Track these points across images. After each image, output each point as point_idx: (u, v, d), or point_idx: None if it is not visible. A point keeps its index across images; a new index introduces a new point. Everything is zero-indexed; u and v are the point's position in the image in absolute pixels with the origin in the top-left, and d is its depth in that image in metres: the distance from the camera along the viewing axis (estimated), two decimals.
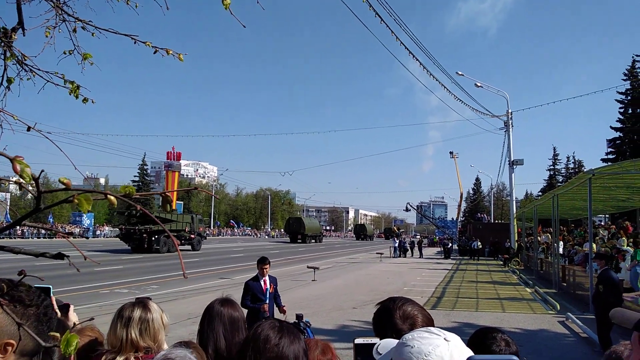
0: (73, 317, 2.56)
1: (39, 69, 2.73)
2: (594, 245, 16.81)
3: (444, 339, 1.16)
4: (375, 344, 1.11)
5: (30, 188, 0.81)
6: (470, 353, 1.16)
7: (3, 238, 39.10)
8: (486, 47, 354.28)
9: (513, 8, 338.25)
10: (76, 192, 0.76)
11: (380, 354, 1.31)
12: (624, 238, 18.32)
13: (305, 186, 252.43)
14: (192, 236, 38.42)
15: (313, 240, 69.01)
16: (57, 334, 0.86)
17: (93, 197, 0.77)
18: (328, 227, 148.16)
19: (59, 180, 0.75)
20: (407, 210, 78.34)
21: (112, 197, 0.77)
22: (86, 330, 2.64)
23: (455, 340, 1.17)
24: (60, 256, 0.87)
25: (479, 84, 37.79)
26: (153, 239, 34.65)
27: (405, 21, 20.82)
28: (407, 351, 1.15)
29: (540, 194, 69.60)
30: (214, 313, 2.59)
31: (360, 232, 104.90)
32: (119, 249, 36.17)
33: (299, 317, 3.77)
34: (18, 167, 0.69)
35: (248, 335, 1.60)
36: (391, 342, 1.31)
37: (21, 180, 0.72)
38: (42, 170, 0.76)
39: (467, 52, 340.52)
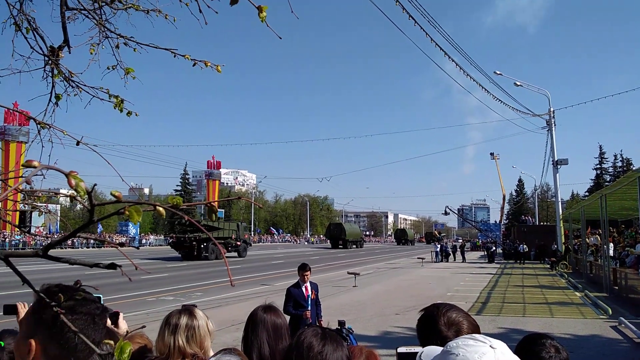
0: (122, 324, 2.65)
1: (85, 85, 2.85)
2: None
3: (490, 346, 1.14)
4: (417, 352, 1.10)
5: (83, 201, 0.84)
6: (516, 359, 1.13)
7: (56, 248, 40.68)
8: (525, 44, 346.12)
9: (552, 4, 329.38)
10: (127, 205, 0.79)
11: None
12: None
13: (343, 191, 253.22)
14: (238, 243, 39.92)
15: (354, 246, 68.98)
16: (112, 342, 0.89)
17: (143, 208, 0.80)
18: (367, 232, 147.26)
19: (111, 194, 0.78)
20: (446, 213, 77.14)
21: (160, 209, 0.80)
22: (136, 337, 2.71)
23: (502, 347, 1.15)
24: (113, 266, 0.90)
25: (518, 83, 36.93)
26: (202, 246, 36.24)
27: (440, 21, 20.62)
28: (452, 359, 1.13)
29: (587, 194, 67.29)
30: (258, 320, 2.62)
31: (402, 236, 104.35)
32: (169, 256, 37.95)
33: (342, 323, 3.75)
34: (73, 181, 0.72)
35: (291, 342, 1.61)
36: (435, 350, 1.29)
37: (75, 194, 0.75)
38: (95, 184, 0.79)
39: (505, 51, 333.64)
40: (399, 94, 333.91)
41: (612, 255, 21.14)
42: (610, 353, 9.05)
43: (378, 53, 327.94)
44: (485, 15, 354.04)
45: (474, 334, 1.22)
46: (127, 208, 0.78)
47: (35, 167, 0.72)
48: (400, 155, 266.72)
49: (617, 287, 18.22)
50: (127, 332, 1.73)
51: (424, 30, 19.07)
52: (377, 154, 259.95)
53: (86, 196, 0.76)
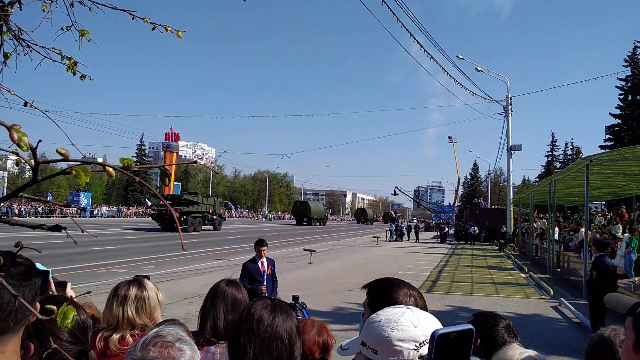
0: (70, 294, 2.57)
1: (36, 44, 2.69)
2: (590, 232, 16.91)
3: (406, 307, 1.20)
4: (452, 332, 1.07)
5: (26, 158, 0.80)
6: (435, 320, 1.18)
7: None
8: (490, 31, 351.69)
9: None
10: (74, 163, 0.75)
11: (346, 349, 1.32)
12: (619, 225, 18.44)
13: (303, 169, 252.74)
14: (214, 217, 42.37)
15: (318, 223, 72.05)
16: (54, 307, 0.86)
17: (91, 169, 0.77)
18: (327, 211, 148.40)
19: (57, 151, 0.74)
20: (395, 194, 78.87)
21: (110, 169, 0.76)
22: (84, 306, 2.65)
23: (416, 308, 1.22)
24: (57, 228, 0.86)
25: (479, 68, 37.58)
26: (182, 219, 38.19)
27: (409, 2, 20.49)
28: (376, 327, 1.17)
29: (537, 180, 69.84)
30: (219, 292, 2.60)
31: (361, 216, 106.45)
32: (149, 227, 39.86)
33: (295, 298, 3.78)
34: (15, 135, 0.68)
35: (241, 315, 1.59)
36: (352, 339, 1.33)
37: (18, 149, 0.71)
38: (40, 140, 0.74)
39: (470, 36, 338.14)
40: (365, 73, 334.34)
41: (556, 239, 22.12)
42: (550, 331, 9.53)
43: (346, 31, 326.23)
44: None
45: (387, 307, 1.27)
46: (74, 167, 0.74)
47: None
48: (361, 135, 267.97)
49: (559, 270, 19.13)
50: (70, 297, 1.68)
51: (390, 9, 19.01)
52: (339, 132, 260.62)
53: (29, 152, 0.72)
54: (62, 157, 0.74)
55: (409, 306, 1.21)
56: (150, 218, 43.81)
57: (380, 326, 1.16)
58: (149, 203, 79.14)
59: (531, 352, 1.81)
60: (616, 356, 1.69)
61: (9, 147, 0.71)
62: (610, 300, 1.64)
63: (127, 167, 0.77)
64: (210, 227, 42.23)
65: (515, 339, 2.30)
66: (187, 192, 55.75)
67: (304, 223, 69.40)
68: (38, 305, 1.26)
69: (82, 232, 0.87)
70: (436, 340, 0.94)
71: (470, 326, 1.03)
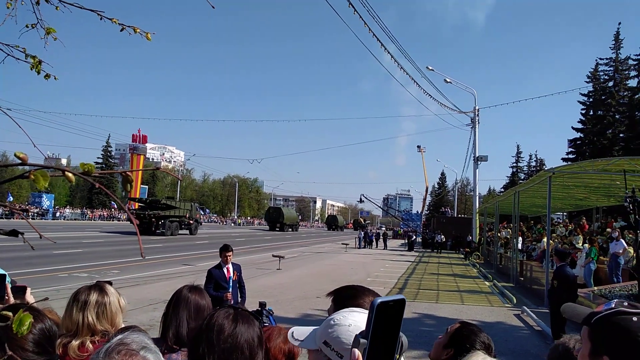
0: (30, 299, 2.50)
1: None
2: (552, 242, 17.37)
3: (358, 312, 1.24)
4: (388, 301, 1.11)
5: None
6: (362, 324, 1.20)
7: None
8: (461, 42, 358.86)
9: (491, 5, 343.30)
10: (33, 168, 0.73)
11: (300, 340, 1.31)
12: (580, 236, 19.00)
13: (273, 174, 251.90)
14: (191, 222, 43.38)
15: (290, 229, 72.84)
16: (10, 313, 0.84)
17: (51, 173, 0.75)
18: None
19: (15, 155, 0.72)
20: (360, 201, 79.70)
21: (69, 174, 0.75)
22: (44, 312, 2.57)
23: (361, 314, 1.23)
24: (14, 233, 0.84)
25: (448, 80, 38.30)
26: (159, 223, 39.02)
27: (381, 11, 20.85)
28: (345, 330, 1.19)
29: (502, 190, 71.29)
30: (181, 298, 2.56)
31: (332, 222, 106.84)
32: (127, 231, 40.76)
33: (262, 304, 3.75)
34: None
35: (201, 324, 1.55)
36: (305, 328, 1.33)
37: None
38: None
39: (442, 46, 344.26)
40: (338, 80, 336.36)
41: (520, 248, 22.63)
42: (512, 339, 9.73)
43: (319, 37, 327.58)
44: (429, 4, 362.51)
45: (352, 308, 1.28)
46: (33, 172, 0.73)
47: None
48: (332, 142, 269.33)
49: (522, 279, 19.55)
50: (27, 303, 1.63)
51: (362, 18, 19.23)
52: (310, 139, 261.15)
53: None
54: (20, 162, 0.72)
55: (362, 311, 1.22)
56: (115, 221, 44.42)
57: (348, 332, 1.16)
58: (114, 206, 77.49)
59: None
60: None
61: None
62: (567, 310, 1.69)
63: (88, 172, 0.76)
64: (187, 232, 42.93)
65: (491, 351, 2.30)
66: (164, 197, 56.25)
67: (277, 229, 69.90)
68: None
69: (40, 237, 0.86)
70: (376, 308, 0.99)
71: (402, 297, 1.07)
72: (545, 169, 20.33)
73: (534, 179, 18.61)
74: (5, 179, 0.84)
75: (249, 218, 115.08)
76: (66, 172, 0.75)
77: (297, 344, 1.31)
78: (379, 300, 1.00)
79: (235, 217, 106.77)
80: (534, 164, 72.57)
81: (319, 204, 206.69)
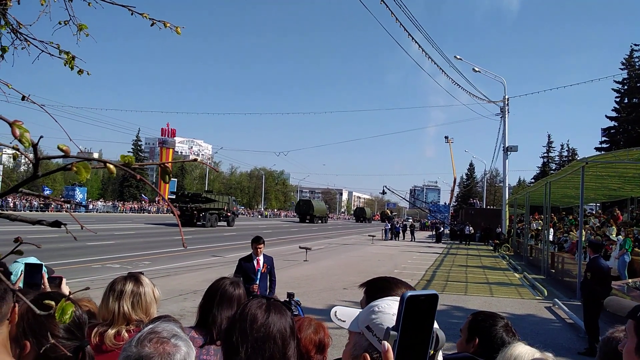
0: (65, 289, 2.57)
1: (34, 38, 2.67)
2: (584, 233, 16.98)
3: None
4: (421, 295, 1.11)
5: (28, 154, 0.80)
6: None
7: None
8: (491, 30, 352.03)
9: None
10: (74, 160, 0.75)
11: (343, 321, 1.32)
12: (613, 227, 18.52)
13: (299, 167, 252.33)
14: (229, 214, 46.42)
15: (320, 221, 75.10)
16: (52, 302, 0.86)
17: (92, 165, 0.77)
18: None
19: (58, 147, 0.74)
20: (383, 193, 79.22)
21: (111, 166, 0.76)
22: (83, 301, 2.65)
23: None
24: (57, 224, 0.86)
25: (477, 69, 37.65)
26: (200, 215, 41.96)
27: (408, 2, 20.51)
28: (389, 319, 1.18)
29: (533, 180, 69.97)
30: (226, 294, 2.62)
31: (360, 215, 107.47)
32: (169, 222, 43.56)
33: (290, 295, 3.79)
34: (17, 131, 0.68)
35: (235, 314, 1.58)
36: (350, 310, 1.33)
37: (19, 145, 0.71)
38: (41, 136, 0.75)
39: (470, 35, 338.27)
40: (365, 72, 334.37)
41: (551, 240, 22.20)
42: (544, 332, 9.57)
43: (346, 28, 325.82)
44: None
45: (395, 296, 1.27)
46: (75, 164, 0.74)
47: None
48: (359, 134, 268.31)
49: (553, 271, 19.20)
50: (69, 292, 1.67)
51: (389, 9, 19.03)
52: (336, 131, 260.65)
53: (31, 148, 0.72)
54: (63, 154, 0.74)
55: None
56: (145, 213, 46.43)
57: (392, 320, 1.15)
58: (146, 198, 79.13)
59: (538, 352, 1.81)
60: None
61: (10, 142, 0.71)
62: (611, 303, 1.64)
63: (128, 164, 0.77)
64: (225, 223, 45.40)
65: (514, 338, 2.30)
66: (204, 191, 58.09)
67: (307, 221, 72.04)
68: (16, 305, 1.27)
69: (82, 228, 0.88)
70: (406, 301, 0.99)
71: (434, 292, 1.07)
72: (578, 158, 19.85)
73: (566, 169, 18.19)
74: (48, 171, 0.86)
75: (275, 210, 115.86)
76: (108, 164, 0.76)
77: (341, 324, 1.32)
78: (409, 293, 1.00)
79: (262, 209, 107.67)
80: (565, 153, 70.98)
81: (345, 196, 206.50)
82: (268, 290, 7.08)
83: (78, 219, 0.98)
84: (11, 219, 0.88)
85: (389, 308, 1.19)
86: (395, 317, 1.15)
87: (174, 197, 46.00)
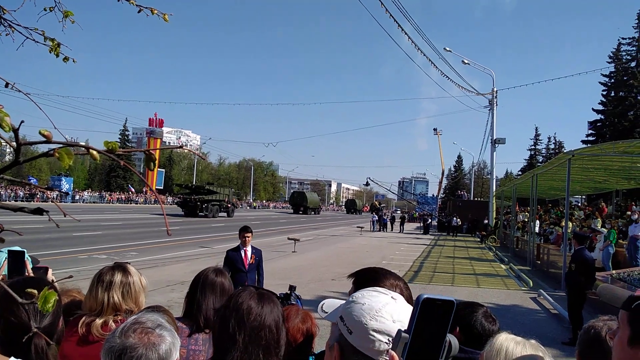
0: (51, 280, 2.54)
1: (18, 24, 2.62)
2: (570, 225, 17.18)
3: (392, 297, 1.20)
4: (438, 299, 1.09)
5: (8, 139, 0.78)
6: (409, 310, 1.20)
7: None
8: (476, 24, 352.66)
9: None
10: (57, 146, 0.74)
11: (326, 312, 1.34)
12: (599, 219, 18.77)
13: (288, 158, 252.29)
14: (229, 205, 48.06)
15: (313, 212, 77.55)
16: (35, 291, 0.85)
17: (75, 151, 0.75)
18: None
19: (39, 132, 0.72)
20: (367, 184, 79.64)
21: (94, 152, 0.75)
22: (72, 292, 2.63)
23: (401, 299, 1.22)
24: (39, 211, 0.85)
25: (466, 61, 37.74)
26: (203, 206, 43.46)
27: None
28: (358, 308, 1.18)
29: (520, 173, 70.63)
30: (208, 281, 2.62)
31: (351, 206, 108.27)
32: (174, 213, 44.70)
33: (292, 288, 3.78)
34: None
35: (227, 304, 1.60)
36: (336, 302, 1.34)
37: (0, 131, 0.69)
38: (22, 121, 0.73)
39: (459, 27, 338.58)
40: (354, 63, 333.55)
41: (537, 232, 22.43)
42: (529, 322, 9.70)
43: (334, 19, 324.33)
44: None
45: (376, 287, 1.27)
46: (57, 150, 0.73)
47: None
48: (347, 125, 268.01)
49: (539, 262, 19.42)
50: (52, 281, 1.65)
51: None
52: (325, 122, 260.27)
53: (11, 133, 0.71)
54: (44, 139, 0.72)
55: (395, 296, 1.21)
56: (133, 204, 47.00)
57: (361, 310, 1.16)
58: (132, 189, 78.58)
59: (522, 340, 1.83)
60: (607, 355, 1.67)
61: None
62: (603, 292, 1.66)
63: (112, 150, 0.76)
64: (225, 214, 46.88)
65: (494, 324, 2.33)
66: (206, 183, 60.14)
67: (300, 212, 73.87)
68: None
69: (64, 215, 0.86)
70: (421, 304, 0.97)
71: (452, 298, 1.05)
72: (565, 151, 20.03)
73: (552, 161, 18.35)
74: (29, 157, 0.84)
75: (264, 201, 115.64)
76: (90, 150, 0.75)
77: (322, 315, 1.33)
78: (425, 296, 0.98)
79: (251, 200, 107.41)
80: (552, 146, 71.65)
81: (334, 188, 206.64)
82: (256, 283, 7.05)
83: (63, 209, 0.96)
84: None
85: (361, 298, 1.20)
86: (364, 307, 1.15)
87: (189, 190, 47.48)
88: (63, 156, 0.73)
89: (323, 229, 39.24)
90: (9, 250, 2.40)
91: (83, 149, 0.76)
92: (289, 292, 3.74)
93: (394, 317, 1.14)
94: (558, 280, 14.24)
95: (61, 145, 0.73)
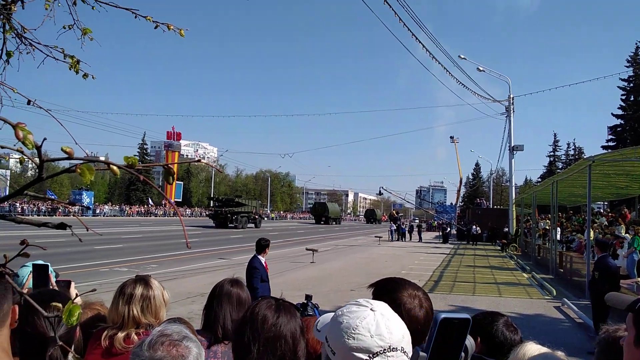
0: (74, 293, 2.58)
1: (38, 43, 2.69)
2: (592, 233, 16.87)
3: (371, 309, 1.20)
4: (459, 318, 1.09)
5: (30, 156, 0.80)
6: (397, 318, 1.20)
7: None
8: (495, 29, 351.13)
9: None
10: (78, 162, 0.75)
11: (319, 331, 1.34)
12: (622, 225, 18.40)
13: (305, 169, 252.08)
14: (257, 217, 50.37)
15: (334, 222, 78.95)
16: (59, 305, 0.86)
17: (96, 167, 0.77)
18: None
19: (62, 149, 0.74)
20: (380, 193, 79.44)
21: (115, 168, 0.76)
22: (95, 305, 2.66)
23: (382, 308, 1.21)
24: (62, 226, 0.86)
25: (481, 68, 37.55)
26: (233, 218, 45.75)
27: (412, 2, 20.53)
28: (337, 327, 1.19)
29: (539, 180, 69.69)
30: (224, 293, 2.63)
31: (370, 216, 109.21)
32: (205, 225, 45.86)
33: (309, 297, 3.78)
34: (21, 133, 0.68)
35: (245, 314, 1.61)
36: (328, 317, 1.34)
37: (23, 148, 0.71)
38: (45, 138, 0.75)
39: (473, 34, 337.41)
40: (372, 72, 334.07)
41: (559, 239, 22.07)
42: (553, 332, 9.52)
43: (349, 29, 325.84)
44: None
45: (358, 299, 1.27)
46: (79, 166, 0.74)
47: None
48: (363, 135, 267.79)
49: (562, 270, 19.08)
50: (76, 294, 1.68)
51: (392, 9, 19.01)
52: (341, 132, 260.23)
53: (34, 150, 0.72)
54: (66, 156, 0.74)
55: (374, 307, 1.21)
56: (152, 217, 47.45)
57: (340, 330, 1.18)
58: (152, 202, 79.53)
59: (547, 350, 1.80)
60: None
61: (14, 145, 0.72)
62: (610, 298, 1.65)
63: (132, 165, 0.77)
64: (253, 225, 48.78)
65: (516, 333, 2.29)
66: (234, 195, 62.06)
67: (322, 222, 76.01)
68: (16, 307, 1.28)
69: (87, 230, 0.88)
70: (439, 323, 0.97)
71: (468, 316, 1.05)
72: (585, 157, 19.74)
73: (572, 167, 18.08)
74: (52, 173, 0.86)
75: (281, 212, 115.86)
76: (111, 166, 0.76)
77: (316, 335, 1.34)
78: (443, 315, 0.99)
79: (268, 211, 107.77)
80: (572, 152, 70.73)
81: (350, 197, 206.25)
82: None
83: (85, 223, 0.98)
84: (17, 221, 0.89)
85: (340, 316, 1.21)
86: (343, 326, 1.15)
87: (219, 202, 49.42)
88: (85, 172, 0.74)
89: (341, 239, 39.13)
90: (33, 264, 2.45)
91: (104, 164, 0.78)
92: (305, 301, 3.73)
93: (372, 332, 1.15)
94: (582, 289, 13.97)
95: (83, 161, 0.75)
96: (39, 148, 0.74)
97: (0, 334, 1.24)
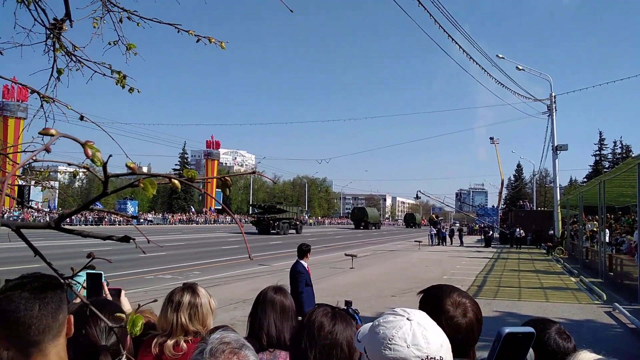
0: (124, 301, 2.65)
1: (87, 60, 2.79)
2: None
3: (407, 318, 1.19)
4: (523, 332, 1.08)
5: (95, 172, 0.83)
6: (435, 327, 1.19)
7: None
8: (537, 26, 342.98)
9: None
10: (141, 177, 0.78)
11: (359, 341, 1.33)
12: None
13: (342, 174, 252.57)
14: (297, 223, 51.40)
15: (374, 227, 79.23)
16: (123, 315, 0.89)
17: (157, 181, 0.79)
18: None
19: (126, 165, 0.77)
20: (417, 197, 78.98)
21: (176, 181, 0.79)
22: (146, 312, 2.73)
23: (419, 317, 1.20)
24: (126, 239, 0.89)
25: (520, 67, 36.68)
26: (275, 224, 46.79)
27: (447, 3, 20.31)
28: (374, 338, 1.18)
29: (585, 180, 67.42)
30: (268, 300, 2.65)
31: (410, 220, 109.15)
32: (248, 231, 46.97)
33: (348, 303, 3.77)
34: (90, 151, 0.71)
35: (302, 321, 1.63)
36: (367, 328, 1.33)
37: (90, 164, 0.74)
38: (110, 155, 0.78)
39: (512, 32, 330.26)
40: (404, 75, 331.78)
41: (608, 241, 21.25)
42: (605, 338, 9.16)
43: (385, 33, 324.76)
44: None
45: (395, 309, 1.26)
46: (142, 180, 0.77)
47: (53, 135, 0.71)
48: (400, 138, 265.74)
49: (612, 273, 18.37)
50: (138, 305, 1.73)
51: (428, 11, 18.85)
52: (377, 136, 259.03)
53: (101, 167, 0.75)
54: (130, 171, 0.77)
55: (410, 316, 1.20)
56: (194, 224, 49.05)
57: (377, 340, 1.17)
58: (193, 210, 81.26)
59: (603, 358, 1.75)
60: None
61: (82, 162, 0.75)
62: None
63: (191, 178, 0.79)
64: (294, 231, 49.89)
65: (569, 341, 2.22)
66: (275, 202, 64.54)
67: (361, 227, 76.21)
68: (71, 317, 1.32)
69: (149, 242, 0.90)
70: (503, 339, 0.96)
71: (532, 330, 1.03)
72: (633, 155, 18.96)
73: (620, 167, 17.40)
74: (117, 188, 0.89)
75: (319, 218, 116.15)
76: (172, 180, 0.79)
77: (357, 346, 1.34)
78: (508, 330, 0.98)
79: (306, 217, 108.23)
80: (619, 151, 68.14)
81: (388, 202, 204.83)
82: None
83: (129, 233, 1.01)
84: (83, 235, 0.92)
85: (377, 326, 1.21)
86: (379, 337, 1.14)
87: (262, 210, 50.31)
88: (147, 186, 0.77)
89: (380, 244, 38.87)
90: (87, 273, 2.53)
91: (166, 178, 0.80)
92: (345, 307, 3.72)
93: (408, 342, 1.14)
94: (634, 293, 13.39)
95: (145, 176, 0.77)
96: (104, 165, 0.77)
97: (57, 343, 1.30)
